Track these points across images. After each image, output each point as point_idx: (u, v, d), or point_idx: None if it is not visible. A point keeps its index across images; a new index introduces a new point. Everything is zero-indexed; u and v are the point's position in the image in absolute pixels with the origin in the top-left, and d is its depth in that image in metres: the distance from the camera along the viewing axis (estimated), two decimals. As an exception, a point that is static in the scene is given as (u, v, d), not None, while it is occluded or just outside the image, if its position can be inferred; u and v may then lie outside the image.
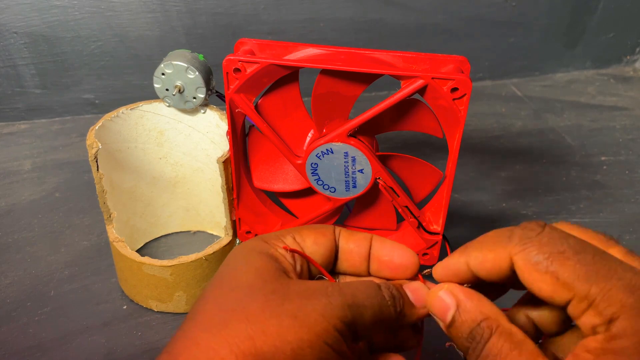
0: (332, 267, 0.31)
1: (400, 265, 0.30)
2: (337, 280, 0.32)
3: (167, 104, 0.47)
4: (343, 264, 0.31)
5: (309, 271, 0.30)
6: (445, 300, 0.26)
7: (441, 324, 0.27)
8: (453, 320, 0.26)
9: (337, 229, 0.31)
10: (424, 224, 0.43)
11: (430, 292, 0.27)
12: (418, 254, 0.45)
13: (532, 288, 0.24)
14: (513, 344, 0.23)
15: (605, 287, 0.22)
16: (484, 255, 0.26)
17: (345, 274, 0.32)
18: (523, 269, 0.24)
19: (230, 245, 0.47)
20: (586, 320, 0.22)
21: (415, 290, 0.29)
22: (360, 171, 0.41)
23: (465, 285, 0.27)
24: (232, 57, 0.38)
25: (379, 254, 0.30)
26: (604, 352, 0.21)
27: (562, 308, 0.23)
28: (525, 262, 0.24)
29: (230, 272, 0.27)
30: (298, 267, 0.29)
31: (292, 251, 0.29)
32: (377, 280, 0.29)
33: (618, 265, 0.23)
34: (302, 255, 0.29)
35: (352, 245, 0.31)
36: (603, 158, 0.71)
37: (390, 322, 0.28)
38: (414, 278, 0.30)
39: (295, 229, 0.30)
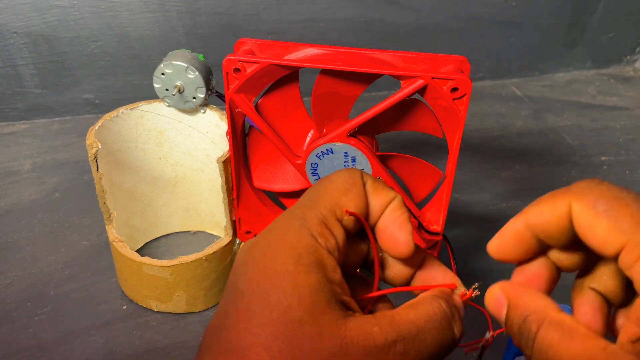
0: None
1: (391, 243, 0.27)
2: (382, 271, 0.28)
3: (167, 104, 0.47)
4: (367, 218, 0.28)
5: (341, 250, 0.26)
6: (499, 298, 0.25)
7: (499, 320, 0.25)
8: (506, 318, 0.25)
9: (365, 177, 0.27)
10: (424, 224, 0.43)
11: (488, 291, 0.26)
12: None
13: (586, 234, 0.23)
14: (563, 333, 0.23)
15: None
16: (541, 207, 0.25)
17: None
18: (580, 213, 0.23)
19: (230, 245, 0.47)
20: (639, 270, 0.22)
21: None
22: (360, 171, 0.41)
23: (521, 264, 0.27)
24: (232, 57, 0.38)
25: (382, 221, 0.27)
26: None
27: (615, 259, 0.23)
28: (584, 206, 0.23)
29: (275, 293, 0.23)
30: (338, 261, 0.25)
31: (356, 216, 0.26)
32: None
33: None
34: (369, 237, 0.27)
35: (375, 201, 0.27)
36: (603, 158, 0.71)
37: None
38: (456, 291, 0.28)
39: (327, 197, 0.26)
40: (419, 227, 0.43)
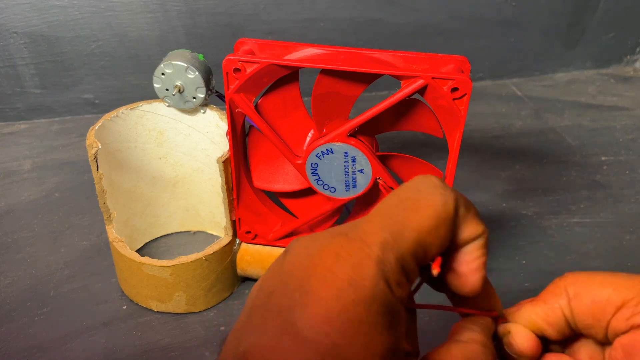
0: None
1: (465, 284, 0.24)
2: None
3: (167, 104, 0.47)
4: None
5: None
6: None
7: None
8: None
9: (460, 200, 0.23)
10: (424, 224, 0.43)
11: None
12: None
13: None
14: None
15: None
16: (590, 290, 0.25)
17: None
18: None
19: (230, 245, 0.47)
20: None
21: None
22: (360, 171, 0.41)
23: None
24: (232, 57, 0.38)
25: (463, 262, 0.24)
26: None
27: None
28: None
29: (346, 348, 0.19)
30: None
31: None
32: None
33: None
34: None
35: (460, 236, 0.24)
36: (603, 158, 0.71)
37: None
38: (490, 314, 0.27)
39: (416, 229, 0.22)
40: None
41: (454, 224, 0.22)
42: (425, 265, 0.23)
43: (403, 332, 0.21)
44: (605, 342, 0.26)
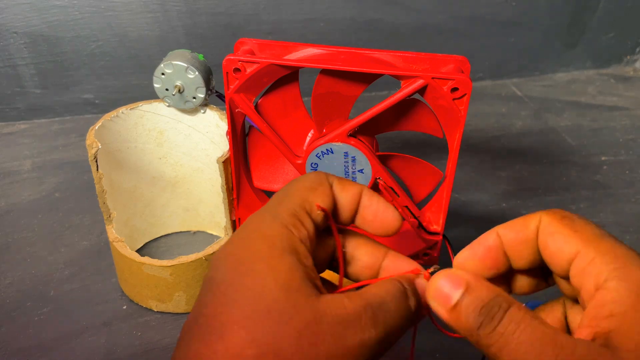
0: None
1: (382, 224, 0.29)
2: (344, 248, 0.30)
3: (167, 104, 0.47)
4: (337, 214, 0.29)
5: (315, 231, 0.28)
6: (457, 278, 0.25)
7: (441, 310, 0.25)
8: (457, 303, 0.24)
9: (330, 178, 0.29)
10: (424, 224, 0.43)
11: (431, 281, 0.25)
12: (418, 254, 0.45)
13: (547, 242, 0.26)
14: (533, 315, 0.23)
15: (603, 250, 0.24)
16: (514, 222, 0.27)
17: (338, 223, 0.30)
18: (547, 222, 0.26)
19: (230, 245, 0.47)
20: (583, 281, 0.24)
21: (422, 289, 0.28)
22: (360, 171, 0.41)
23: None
24: (232, 57, 0.38)
25: (365, 211, 0.29)
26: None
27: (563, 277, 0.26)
28: (551, 217, 0.26)
29: (250, 275, 0.24)
30: (311, 244, 0.27)
31: (324, 211, 0.27)
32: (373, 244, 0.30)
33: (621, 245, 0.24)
34: (333, 231, 0.28)
35: (344, 197, 0.29)
36: (603, 158, 0.71)
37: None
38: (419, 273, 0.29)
39: (297, 194, 0.28)
40: (419, 227, 0.43)
41: (330, 189, 0.28)
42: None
43: (308, 264, 0.25)
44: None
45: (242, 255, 0.25)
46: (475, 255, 0.28)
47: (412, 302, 0.27)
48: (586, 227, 0.25)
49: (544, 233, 0.26)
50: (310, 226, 0.27)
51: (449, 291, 0.24)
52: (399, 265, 0.29)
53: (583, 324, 0.23)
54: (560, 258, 0.25)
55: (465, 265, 0.28)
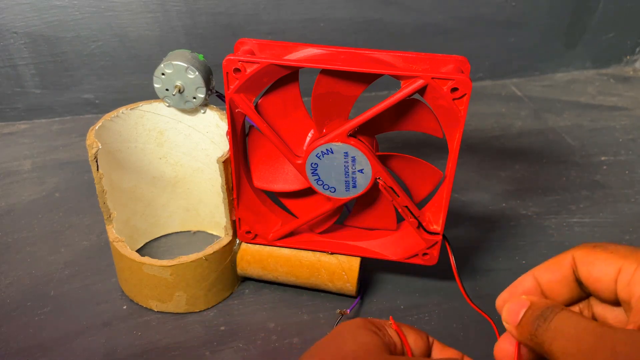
0: None
1: None
2: None
3: (167, 104, 0.47)
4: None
5: None
6: (522, 301, 0.28)
7: (510, 328, 0.28)
8: (522, 317, 0.28)
9: (431, 337, 0.33)
10: (424, 224, 0.43)
11: (508, 302, 0.29)
12: (418, 255, 0.45)
13: (588, 270, 0.28)
14: (579, 315, 0.26)
15: None
16: (548, 262, 0.30)
17: None
18: (581, 256, 0.28)
19: (230, 245, 0.47)
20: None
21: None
22: (360, 171, 0.41)
23: None
24: (232, 57, 0.38)
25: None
26: None
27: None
28: (584, 250, 0.28)
29: (336, 343, 0.29)
30: (397, 353, 0.30)
31: (397, 331, 0.31)
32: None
33: None
34: (403, 341, 0.31)
35: (444, 357, 0.32)
36: (603, 158, 0.71)
37: None
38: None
39: (397, 324, 0.32)
40: (419, 227, 0.43)
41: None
42: None
43: (388, 343, 0.30)
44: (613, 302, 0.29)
45: (331, 341, 0.30)
46: (515, 295, 0.30)
47: None
48: (618, 247, 0.27)
49: (583, 264, 0.28)
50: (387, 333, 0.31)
51: (517, 309, 0.28)
52: (446, 353, 0.33)
53: (631, 320, 0.25)
54: (605, 280, 0.27)
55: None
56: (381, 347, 0.28)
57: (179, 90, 0.45)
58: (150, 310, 0.48)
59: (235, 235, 0.47)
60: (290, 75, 0.40)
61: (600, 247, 0.28)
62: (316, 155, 0.41)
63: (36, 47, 0.73)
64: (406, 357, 0.29)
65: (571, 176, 0.68)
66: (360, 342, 0.28)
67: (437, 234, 0.44)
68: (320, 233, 0.48)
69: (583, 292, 0.29)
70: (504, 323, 0.29)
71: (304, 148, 0.43)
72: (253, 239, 0.47)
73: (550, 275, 0.29)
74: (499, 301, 0.31)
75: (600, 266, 0.27)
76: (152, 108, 0.48)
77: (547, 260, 0.30)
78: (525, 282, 0.30)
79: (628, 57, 0.96)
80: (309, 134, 0.43)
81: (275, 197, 0.47)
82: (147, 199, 0.53)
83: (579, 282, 0.29)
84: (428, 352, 0.32)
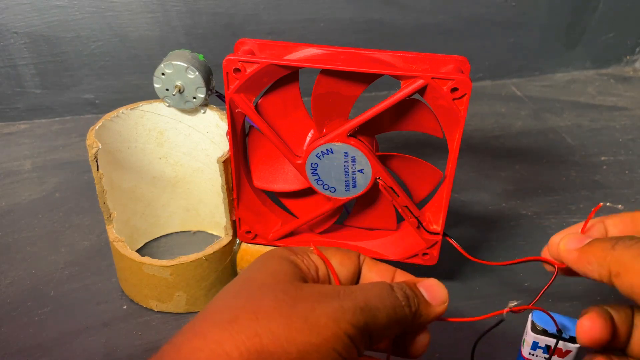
0: None
1: (439, 297, 0.29)
2: None
3: (167, 104, 0.47)
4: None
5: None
6: (576, 237, 0.29)
7: (573, 246, 0.29)
8: (590, 243, 0.28)
9: (362, 256, 0.31)
10: (424, 223, 0.43)
11: (564, 237, 0.30)
12: (418, 254, 0.45)
13: None
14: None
15: None
16: (621, 216, 0.30)
17: None
18: None
19: (230, 245, 0.47)
20: None
21: (430, 288, 0.29)
22: (360, 171, 0.41)
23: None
24: (232, 57, 0.38)
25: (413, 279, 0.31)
26: None
27: None
28: None
29: (247, 273, 0.28)
30: (319, 279, 0.29)
31: (319, 255, 0.29)
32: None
33: None
34: (327, 264, 0.30)
35: (374, 275, 0.31)
36: (603, 158, 0.71)
37: (406, 323, 0.28)
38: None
39: (321, 248, 0.31)
40: (419, 227, 0.43)
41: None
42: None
43: (306, 273, 0.29)
44: None
45: (244, 272, 0.29)
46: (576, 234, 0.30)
47: (399, 294, 0.28)
48: None
49: None
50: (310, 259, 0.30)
51: (582, 238, 0.29)
52: (376, 269, 0.31)
53: None
54: None
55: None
56: (293, 275, 0.27)
57: (179, 90, 0.45)
58: (150, 310, 0.48)
59: (235, 235, 0.47)
60: (290, 75, 0.40)
61: None
62: (316, 155, 0.41)
63: (36, 47, 0.73)
64: (320, 285, 0.27)
65: (571, 176, 0.68)
66: (270, 271, 0.27)
67: (437, 233, 0.44)
68: (320, 233, 0.48)
69: None
70: (563, 247, 0.29)
71: (304, 148, 0.43)
72: (253, 239, 0.47)
73: (623, 228, 0.29)
74: (555, 238, 0.31)
75: None
76: (152, 108, 0.48)
77: (621, 213, 0.30)
78: (595, 226, 0.30)
79: (628, 57, 0.96)
80: (309, 134, 0.43)
81: (275, 197, 0.47)
82: (147, 199, 0.53)
83: None
84: (357, 273, 0.31)
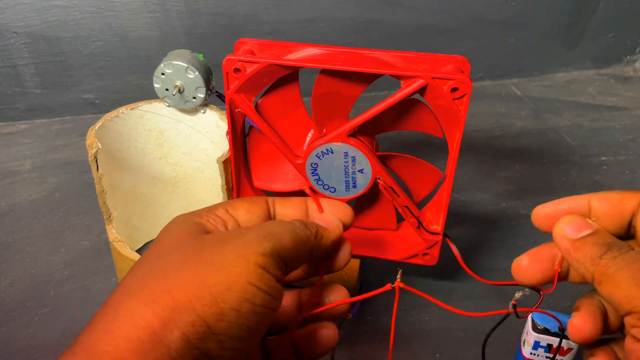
0: None
1: (331, 222, 0.31)
2: None
3: (167, 104, 0.47)
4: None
5: None
6: (577, 222, 0.29)
7: (569, 235, 0.29)
8: (586, 236, 0.28)
9: (271, 198, 0.32)
10: (424, 223, 0.43)
11: (571, 215, 0.30)
12: (418, 254, 0.45)
13: None
14: None
15: None
16: (608, 195, 0.29)
17: None
18: None
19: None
20: None
21: (322, 218, 0.31)
22: (360, 171, 0.41)
23: None
24: (232, 57, 0.38)
25: (314, 214, 0.32)
26: None
27: None
28: None
29: (153, 244, 0.28)
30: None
31: (225, 209, 0.30)
32: None
33: None
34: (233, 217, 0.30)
35: (289, 210, 0.31)
36: (603, 158, 0.71)
37: (311, 243, 0.29)
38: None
39: (227, 202, 0.31)
40: (419, 227, 0.43)
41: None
42: None
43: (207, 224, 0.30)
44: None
45: (153, 243, 0.29)
46: (557, 211, 0.31)
47: (296, 222, 0.29)
48: None
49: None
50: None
51: (580, 226, 0.28)
52: (287, 204, 0.32)
53: None
54: None
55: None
56: (197, 232, 0.28)
57: (179, 90, 0.45)
58: (150, 310, 0.48)
59: (235, 235, 0.47)
60: (290, 75, 0.40)
61: None
62: (316, 155, 0.41)
63: (36, 47, 0.73)
64: (223, 231, 0.28)
65: (571, 176, 0.68)
66: (174, 234, 0.27)
67: (437, 233, 0.44)
68: (320, 233, 0.48)
69: (627, 236, 0.29)
70: (559, 231, 0.29)
71: (304, 148, 0.43)
72: (253, 239, 0.47)
73: (607, 208, 0.29)
74: (539, 210, 0.32)
75: None
76: (152, 108, 0.48)
77: (609, 192, 0.30)
78: (579, 202, 0.30)
79: (628, 57, 0.96)
80: (309, 134, 0.43)
81: (275, 197, 0.47)
82: (147, 199, 0.53)
83: (630, 227, 0.29)
84: (268, 216, 0.31)
